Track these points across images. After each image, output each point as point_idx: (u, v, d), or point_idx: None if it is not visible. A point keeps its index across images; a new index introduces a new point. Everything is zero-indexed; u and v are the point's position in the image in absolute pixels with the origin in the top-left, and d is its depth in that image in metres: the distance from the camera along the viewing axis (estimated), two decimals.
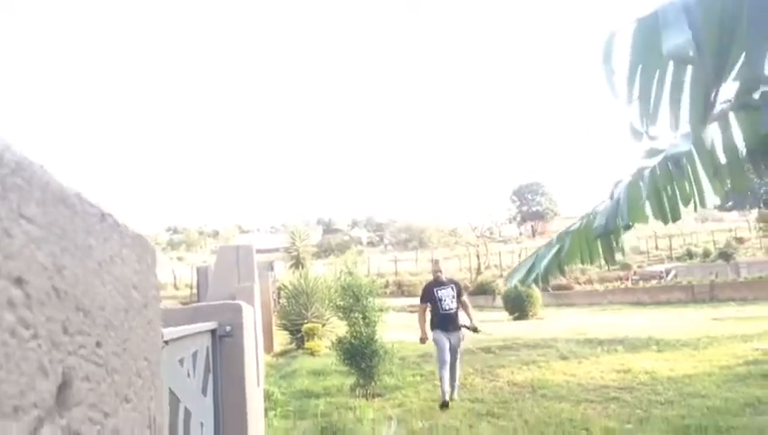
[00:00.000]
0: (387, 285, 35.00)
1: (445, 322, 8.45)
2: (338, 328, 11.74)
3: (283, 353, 14.16)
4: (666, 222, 2.08)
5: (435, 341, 8.46)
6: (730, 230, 44.18)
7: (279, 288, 19.94)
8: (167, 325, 1.70)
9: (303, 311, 14.86)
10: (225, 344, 2.46)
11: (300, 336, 14.46)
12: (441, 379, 8.20)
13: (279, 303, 18.12)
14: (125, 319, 0.44)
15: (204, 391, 2.20)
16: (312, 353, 13.15)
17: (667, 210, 2.05)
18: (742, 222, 49.14)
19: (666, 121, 2.10)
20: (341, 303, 9.67)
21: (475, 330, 8.69)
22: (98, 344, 0.37)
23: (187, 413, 1.84)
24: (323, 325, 14.49)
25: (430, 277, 9.11)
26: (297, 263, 22.02)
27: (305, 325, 14.33)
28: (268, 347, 13.31)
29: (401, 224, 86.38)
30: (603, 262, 2.13)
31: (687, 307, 21.63)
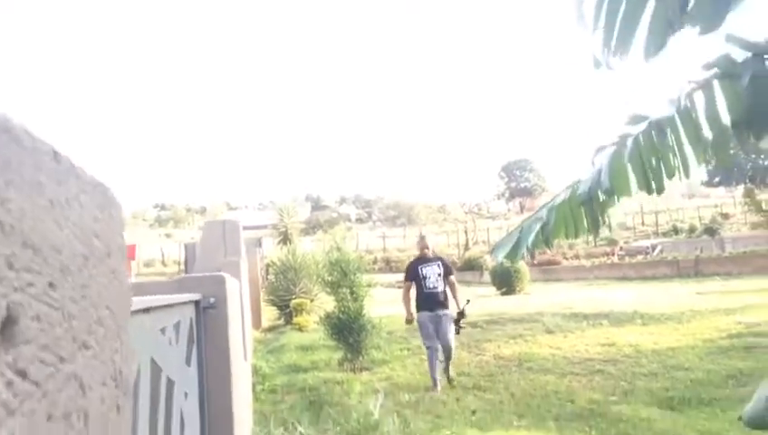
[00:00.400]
0: (375, 262, 35.12)
1: (429, 301, 7.83)
2: (326, 304, 11.76)
3: (271, 329, 14.19)
4: (650, 192, 2.07)
5: (419, 323, 7.89)
6: (716, 206, 44.50)
7: (267, 265, 19.93)
8: (150, 296, 1.69)
9: (291, 286, 14.87)
10: (209, 316, 2.45)
11: (288, 312, 14.49)
12: (429, 366, 7.78)
13: (267, 279, 18.12)
14: (84, 266, 0.43)
15: (188, 362, 2.20)
16: (300, 329, 13.19)
17: (651, 181, 2.05)
18: (728, 198, 49.54)
19: (630, 53, 2.11)
20: (329, 278, 9.68)
21: (458, 319, 7.93)
22: (51, 286, 0.36)
23: (170, 383, 1.84)
24: (311, 301, 14.51)
25: (418, 254, 8.80)
26: (285, 239, 22.00)
27: (293, 301, 14.35)
28: (256, 323, 13.33)
29: (389, 201, 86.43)
30: (588, 232, 2.12)
31: (672, 282, 21.83)
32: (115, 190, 0.50)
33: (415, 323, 8.04)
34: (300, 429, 6.01)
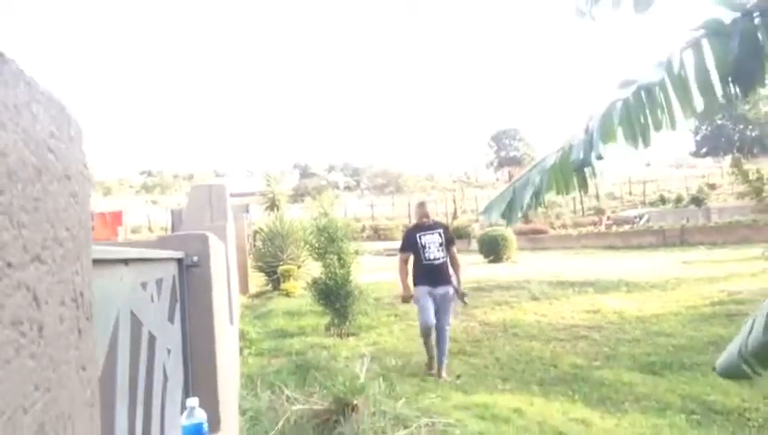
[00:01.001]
0: (363, 230, 35.14)
1: (429, 274, 6.94)
2: (313, 270, 11.77)
3: (258, 295, 14.23)
4: (636, 146, 2.07)
5: (416, 299, 6.97)
6: (703, 177, 44.75)
7: (255, 232, 19.90)
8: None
9: (279, 253, 14.87)
10: (192, 274, 2.44)
11: (275, 278, 14.51)
12: (425, 346, 7.08)
13: (254, 246, 18.10)
14: (37, 178, 0.41)
15: (171, 320, 2.19)
16: (288, 295, 13.23)
17: (638, 135, 2.05)
18: (715, 168, 49.80)
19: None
20: (316, 244, 9.68)
21: (462, 298, 7.24)
22: None
23: (152, 338, 1.83)
24: (299, 267, 14.53)
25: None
26: (272, 206, 21.93)
27: (281, 267, 14.37)
28: (243, 289, 13.35)
29: (378, 169, 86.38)
30: (578, 190, 2.13)
31: (658, 251, 22.05)
32: (74, 110, 0.48)
33: (412, 301, 7.18)
34: (286, 392, 6.05)
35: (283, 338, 8.98)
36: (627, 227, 28.71)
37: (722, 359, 2.01)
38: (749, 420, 5.84)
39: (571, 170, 2.16)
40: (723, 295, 10.61)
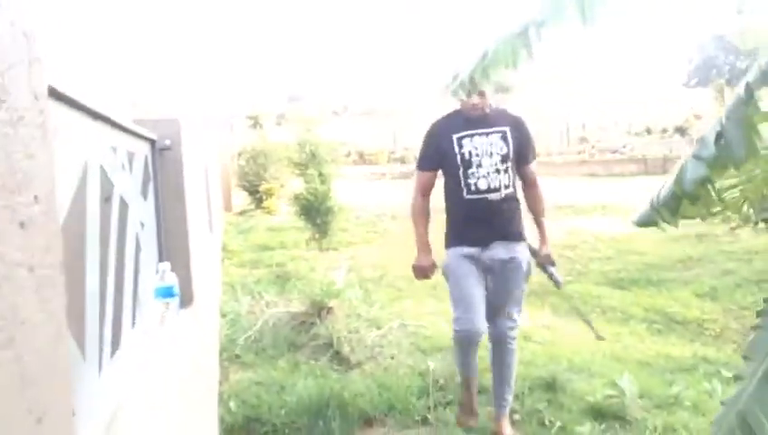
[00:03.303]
0: (348, 154, 35.11)
1: (479, 222, 3.29)
2: (296, 191, 11.88)
3: (241, 213, 14.36)
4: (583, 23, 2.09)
5: (447, 270, 3.36)
6: (691, 108, 44.76)
7: (239, 153, 19.86)
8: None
9: (261, 172, 14.93)
10: (164, 158, 2.52)
11: (258, 197, 14.63)
12: (460, 367, 3.42)
13: (238, 165, 18.10)
14: None
15: (144, 196, 2.29)
16: (270, 213, 13.38)
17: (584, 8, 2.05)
18: (702, 99, 49.73)
19: None
20: (297, 159, 9.73)
21: (550, 273, 3.63)
22: None
23: (124, 204, 1.92)
24: (282, 186, 14.62)
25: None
26: (256, 124, 21.83)
27: (263, 186, 14.46)
28: (227, 206, 13.46)
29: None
30: (525, 61, 2.15)
31: (639, 178, 22.31)
32: None
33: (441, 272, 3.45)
34: (266, 297, 6.26)
35: (264, 251, 9.16)
36: (609, 156, 28.93)
37: (641, 213, 2.17)
38: (706, 329, 6.13)
39: (515, 35, 2.15)
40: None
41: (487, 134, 3.28)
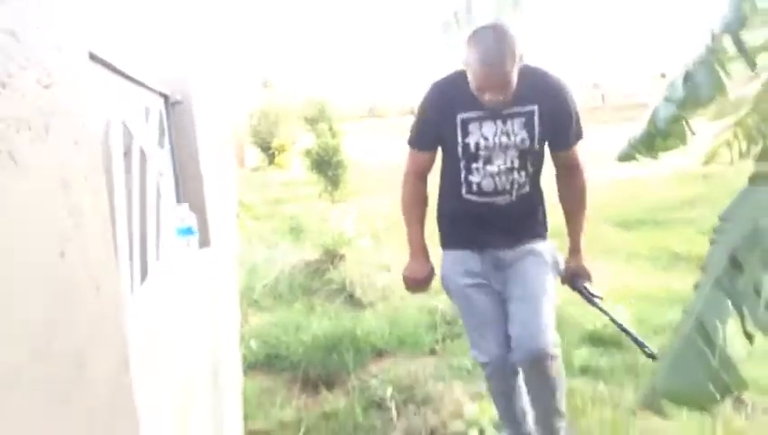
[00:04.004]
0: (359, 109, 35.00)
1: (476, 227, 2.39)
2: (307, 145, 12.05)
3: (255, 169, 14.58)
4: None
5: (447, 284, 2.47)
6: None
7: (251, 114, 19.97)
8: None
9: (273, 128, 15.08)
10: (177, 111, 2.70)
11: (271, 154, 14.83)
12: (502, 418, 2.57)
13: (251, 125, 18.25)
14: None
15: (161, 146, 2.48)
16: (282, 168, 13.59)
17: None
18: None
19: None
20: (308, 115, 9.90)
21: (587, 293, 2.59)
22: None
23: (143, 155, 2.11)
24: (294, 143, 14.80)
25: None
26: (267, 84, 21.84)
27: (275, 142, 14.64)
28: (240, 162, 13.68)
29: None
30: None
31: None
32: None
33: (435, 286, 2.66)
34: (281, 247, 6.50)
35: (277, 205, 9.38)
36: (621, 101, 28.68)
37: (620, 150, 2.41)
38: None
39: None
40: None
41: (505, 119, 2.23)
